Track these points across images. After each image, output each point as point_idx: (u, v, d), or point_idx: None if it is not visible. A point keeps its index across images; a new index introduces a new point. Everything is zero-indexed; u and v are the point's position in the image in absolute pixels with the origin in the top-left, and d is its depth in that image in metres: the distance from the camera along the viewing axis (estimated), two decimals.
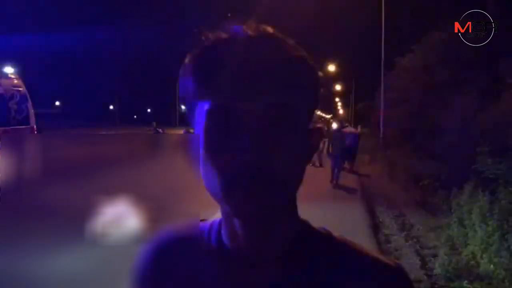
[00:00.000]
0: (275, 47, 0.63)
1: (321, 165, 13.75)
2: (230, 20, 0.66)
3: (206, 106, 0.62)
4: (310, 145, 0.68)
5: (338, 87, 46.10)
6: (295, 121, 0.63)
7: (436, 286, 4.81)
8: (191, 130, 0.68)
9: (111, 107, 59.07)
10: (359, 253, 0.69)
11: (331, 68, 35.63)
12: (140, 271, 0.76)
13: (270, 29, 0.65)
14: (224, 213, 0.68)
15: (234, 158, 0.59)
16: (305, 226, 0.71)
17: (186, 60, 0.66)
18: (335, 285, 0.66)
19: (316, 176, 10.64)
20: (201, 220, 0.79)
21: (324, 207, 6.79)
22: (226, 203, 0.62)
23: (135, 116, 58.17)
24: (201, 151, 0.63)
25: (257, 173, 0.59)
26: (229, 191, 0.61)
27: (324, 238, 0.70)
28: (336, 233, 0.72)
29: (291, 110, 0.62)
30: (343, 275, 0.66)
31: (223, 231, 0.70)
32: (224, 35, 0.64)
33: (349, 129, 15.62)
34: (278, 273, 0.66)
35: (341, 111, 52.28)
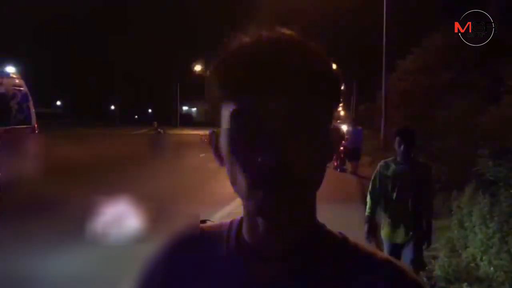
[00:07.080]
0: (297, 51, 0.66)
1: None
2: (254, 25, 0.69)
3: (230, 108, 0.65)
4: (330, 146, 0.70)
5: None
6: (316, 122, 0.65)
7: None
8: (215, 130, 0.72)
9: (112, 107, 59.03)
10: (373, 257, 0.71)
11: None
12: (151, 273, 0.78)
13: (292, 33, 0.68)
14: (245, 210, 0.71)
15: (256, 159, 0.62)
16: (322, 228, 0.74)
17: (212, 65, 0.69)
18: (346, 285, 0.68)
19: None
20: (202, 221, 0.81)
21: (323, 209, 6.77)
22: (248, 201, 0.66)
23: (136, 116, 58.09)
24: (226, 151, 0.67)
25: (277, 173, 0.61)
26: (251, 190, 0.63)
27: (338, 241, 0.73)
28: (351, 238, 0.74)
29: (312, 111, 0.64)
30: (354, 276, 0.68)
31: (244, 228, 0.73)
32: (247, 40, 0.67)
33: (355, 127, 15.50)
34: (289, 269, 0.68)
35: (342, 113, 52.23)
